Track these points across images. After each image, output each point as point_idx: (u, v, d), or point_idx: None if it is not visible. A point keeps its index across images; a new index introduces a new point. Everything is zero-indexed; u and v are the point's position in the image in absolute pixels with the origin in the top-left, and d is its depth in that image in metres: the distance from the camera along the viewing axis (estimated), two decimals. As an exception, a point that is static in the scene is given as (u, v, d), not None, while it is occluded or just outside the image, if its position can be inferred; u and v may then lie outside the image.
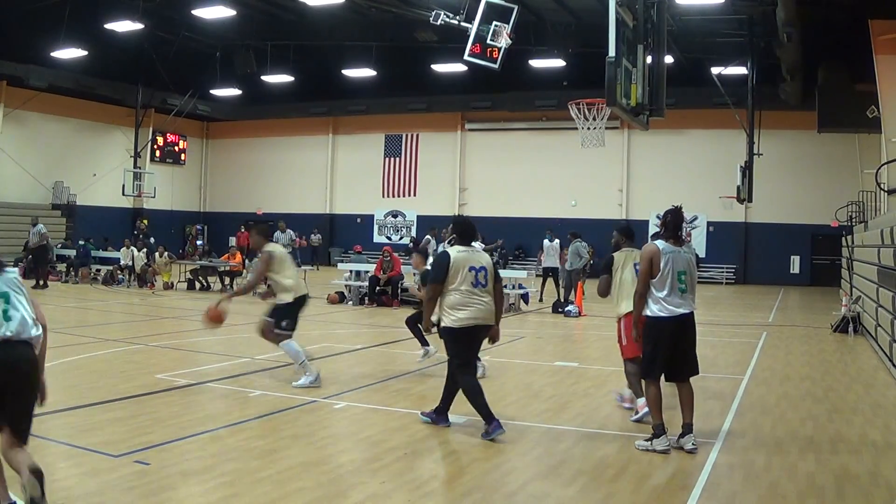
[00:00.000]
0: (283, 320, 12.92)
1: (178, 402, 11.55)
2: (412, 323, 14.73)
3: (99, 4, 36.28)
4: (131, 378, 13.14)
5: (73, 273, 34.34)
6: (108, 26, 36.93)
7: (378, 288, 26.92)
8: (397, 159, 52.66)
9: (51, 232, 39.41)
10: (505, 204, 48.48)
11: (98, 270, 34.23)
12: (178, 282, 32.23)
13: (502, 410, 11.21)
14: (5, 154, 45.42)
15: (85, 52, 39.96)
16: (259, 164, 57.18)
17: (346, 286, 28.08)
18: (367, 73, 43.78)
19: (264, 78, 46.17)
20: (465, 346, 10.14)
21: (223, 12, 35.09)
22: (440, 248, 10.79)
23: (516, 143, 49.62)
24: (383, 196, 52.77)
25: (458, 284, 9.96)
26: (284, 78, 46.14)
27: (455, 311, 9.95)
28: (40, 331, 6.75)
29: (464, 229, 10.64)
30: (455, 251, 10.24)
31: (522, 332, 21.49)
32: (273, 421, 10.58)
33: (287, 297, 12.97)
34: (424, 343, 14.57)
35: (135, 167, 51.01)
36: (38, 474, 6.24)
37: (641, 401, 10.82)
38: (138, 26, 36.88)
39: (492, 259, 10.70)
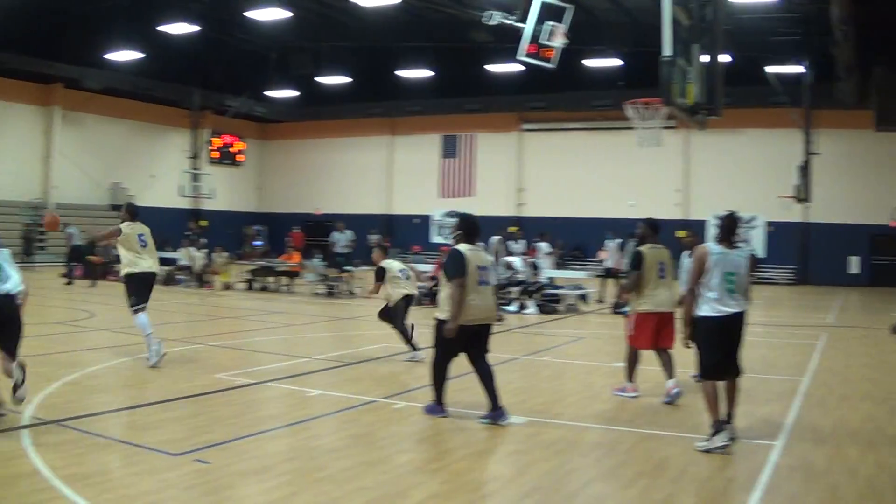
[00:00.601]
0: (129, 296, 14.30)
1: (238, 402, 11.64)
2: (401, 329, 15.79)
3: (153, 7, 36.52)
4: (191, 377, 13.21)
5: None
6: (163, 29, 37.19)
7: (436, 288, 26.84)
8: (454, 160, 52.60)
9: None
10: (563, 204, 48.20)
11: (156, 271, 34.42)
12: (237, 282, 32.38)
13: (563, 411, 11.23)
14: (63, 156, 45.94)
15: (141, 55, 40.27)
16: (316, 164, 57.27)
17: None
18: (422, 73, 43.79)
19: (320, 79, 46.34)
20: (456, 341, 10.37)
21: (278, 14, 35.20)
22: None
23: (573, 144, 49.28)
24: (441, 196, 52.70)
25: (466, 282, 10.24)
26: (340, 79, 46.25)
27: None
28: (23, 287, 9.82)
29: (470, 227, 10.81)
30: (466, 249, 10.49)
31: (581, 332, 21.42)
32: (332, 420, 10.62)
33: (123, 271, 14.44)
34: (415, 348, 15.59)
35: (192, 168, 51.43)
36: (22, 366, 9.56)
37: (630, 385, 12.24)
38: (193, 28, 37.10)
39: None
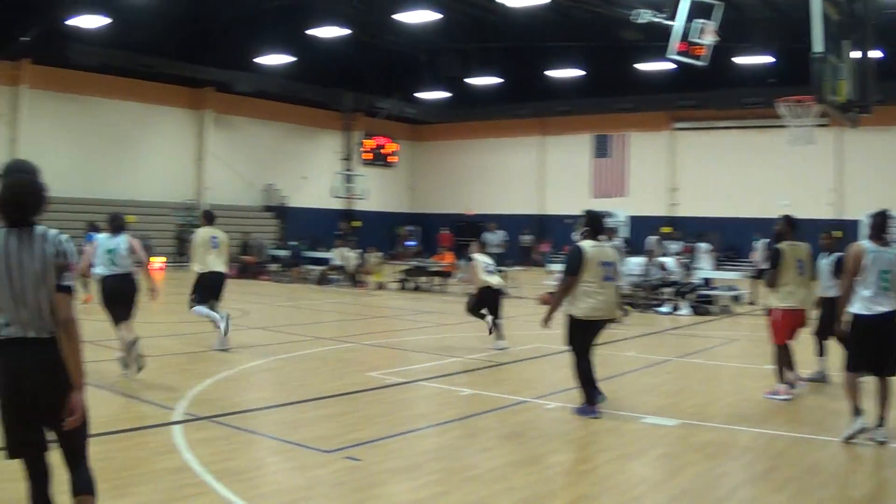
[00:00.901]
0: (192, 292, 15.61)
1: (389, 400, 11.68)
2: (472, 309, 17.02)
3: (303, 12, 37.00)
4: (343, 376, 13.33)
5: (286, 273, 35.14)
6: (313, 32, 37.74)
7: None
8: (607, 160, 52.11)
9: (263, 233, 40.74)
10: (716, 203, 47.14)
11: (310, 271, 34.88)
12: (390, 282, 32.55)
13: (714, 413, 10.98)
14: (215, 157, 46.99)
15: (291, 58, 40.98)
16: (468, 165, 57.40)
17: (557, 286, 27.78)
18: (572, 73, 43.56)
19: (470, 80, 46.42)
20: (585, 335, 10.69)
21: (427, 16, 35.35)
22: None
23: (726, 142, 48.19)
24: (593, 197, 52.15)
25: (589, 278, 10.49)
26: (490, 80, 46.29)
27: (583, 301, 10.50)
28: (133, 268, 12.42)
29: (595, 223, 11.16)
30: (588, 245, 10.74)
31: (734, 334, 20.95)
32: (483, 420, 10.52)
33: (194, 270, 15.69)
34: (493, 333, 16.69)
35: (344, 170, 52.06)
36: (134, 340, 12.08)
37: (782, 387, 11.93)
38: (343, 32, 37.56)
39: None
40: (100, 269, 12.27)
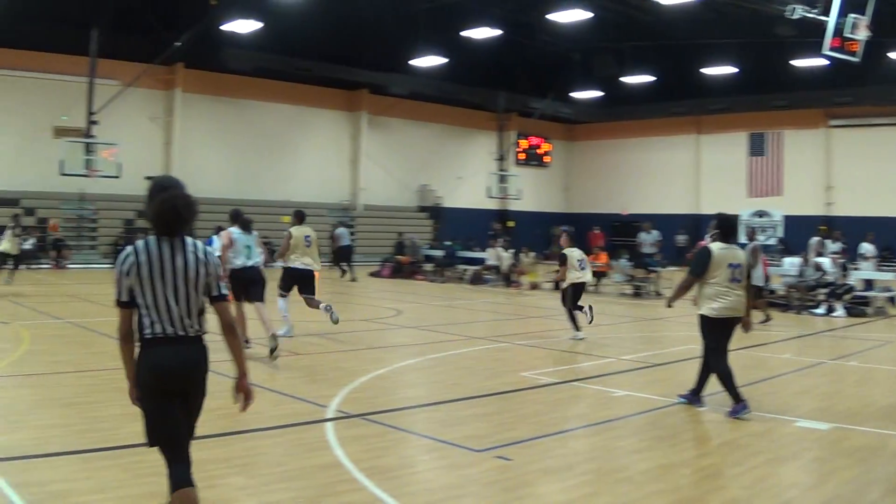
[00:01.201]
0: (280, 282, 16.66)
1: (542, 401, 11.67)
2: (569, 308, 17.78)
3: (455, 13, 37.28)
4: (496, 375, 13.38)
5: (440, 273, 35.37)
6: (466, 34, 37.97)
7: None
8: (762, 158, 51.20)
9: (418, 233, 41.14)
10: (873, 202, 45.65)
11: (465, 270, 35.04)
12: (544, 282, 32.48)
13: (868, 417, 10.75)
14: (369, 159, 47.79)
15: (444, 60, 41.31)
16: (622, 164, 57.11)
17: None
18: (727, 70, 42.95)
19: (624, 79, 46.12)
20: (719, 333, 10.95)
21: (579, 15, 35.28)
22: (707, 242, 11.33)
23: (882, 139, 46.70)
24: (749, 196, 51.35)
25: (718, 279, 10.84)
26: (644, 78, 45.95)
27: (714, 302, 10.84)
28: (262, 260, 14.99)
29: (726, 227, 11.35)
30: (717, 248, 11.03)
31: (890, 336, 20.39)
32: (636, 422, 10.48)
33: (287, 264, 16.67)
34: (576, 329, 17.69)
35: (499, 170, 52.18)
36: (274, 336, 13.86)
37: None
38: (496, 32, 37.74)
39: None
40: (239, 261, 14.58)
